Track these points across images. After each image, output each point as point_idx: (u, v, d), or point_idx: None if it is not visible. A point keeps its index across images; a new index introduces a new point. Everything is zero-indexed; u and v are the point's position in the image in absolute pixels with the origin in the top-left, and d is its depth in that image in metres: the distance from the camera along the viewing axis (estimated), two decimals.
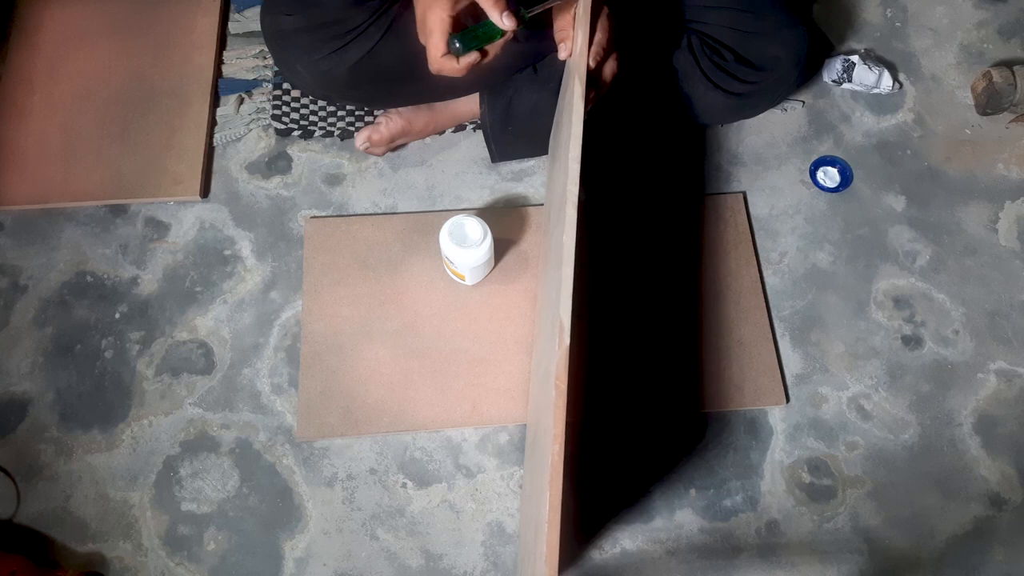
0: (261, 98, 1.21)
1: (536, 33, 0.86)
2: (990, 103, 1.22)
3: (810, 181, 1.19)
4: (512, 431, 1.03)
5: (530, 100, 1.07)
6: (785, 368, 1.07)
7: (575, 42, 0.83)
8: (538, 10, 0.81)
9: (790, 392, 1.06)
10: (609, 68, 0.87)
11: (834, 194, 1.19)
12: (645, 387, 1.05)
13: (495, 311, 1.07)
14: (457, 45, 0.78)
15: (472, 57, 0.80)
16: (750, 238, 1.14)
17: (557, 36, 0.85)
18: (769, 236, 1.15)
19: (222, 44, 1.25)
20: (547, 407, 0.72)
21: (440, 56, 0.79)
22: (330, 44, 0.97)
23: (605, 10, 0.83)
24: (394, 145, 1.16)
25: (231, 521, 0.97)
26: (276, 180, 1.16)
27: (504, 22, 0.77)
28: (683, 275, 1.11)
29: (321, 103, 1.21)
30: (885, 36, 1.32)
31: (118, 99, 1.19)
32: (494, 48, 0.81)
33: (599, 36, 0.83)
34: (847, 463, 1.03)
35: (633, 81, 1.06)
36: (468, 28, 0.79)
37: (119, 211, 1.14)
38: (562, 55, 0.85)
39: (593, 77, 0.84)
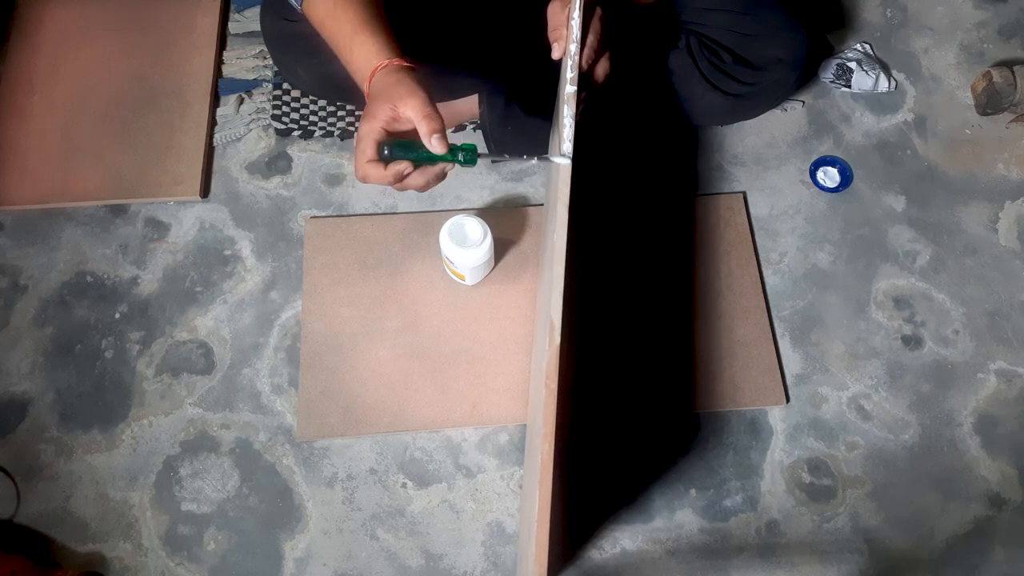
0: (261, 98, 1.21)
1: (534, 35, 0.86)
2: (990, 103, 1.22)
3: (810, 181, 1.19)
4: (512, 431, 1.03)
5: (530, 100, 1.07)
6: (785, 368, 1.07)
7: (567, 43, 0.83)
8: (495, 159, 0.77)
9: (790, 392, 1.06)
10: (602, 68, 0.86)
11: (834, 194, 1.19)
12: (646, 387, 1.05)
13: (495, 311, 1.07)
14: (386, 152, 0.74)
15: (401, 165, 0.75)
16: (750, 238, 1.14)
17: (551, 36, 0.85)
18: (769, 236, 1.15)
19: (222, 44, 1.25)
20: (539, 406, 0.72)
21: (365, 161, 0.74)
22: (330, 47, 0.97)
23: (598, 12, 0.83)
24: None
25: (231, 521, 0.97)
26: (276, 180, 1.17)
27: (433, 144, 0.73)
28: (683, 275, 1.11)
29: (321, 103, 1.21)
30: (885, 36, 1.31)
31: (118, 99, 1.19)
32: (430, 172, 0.76)
33: (590, 39, 0.82)
34: (847, 463, 1.03)
35: (630, 81, 1.06)
36: (405, 140, 0.75)
37: (119, 211, 1.14)
38: (555, 55, 0.85)
39: (585, 78, 0.84)
